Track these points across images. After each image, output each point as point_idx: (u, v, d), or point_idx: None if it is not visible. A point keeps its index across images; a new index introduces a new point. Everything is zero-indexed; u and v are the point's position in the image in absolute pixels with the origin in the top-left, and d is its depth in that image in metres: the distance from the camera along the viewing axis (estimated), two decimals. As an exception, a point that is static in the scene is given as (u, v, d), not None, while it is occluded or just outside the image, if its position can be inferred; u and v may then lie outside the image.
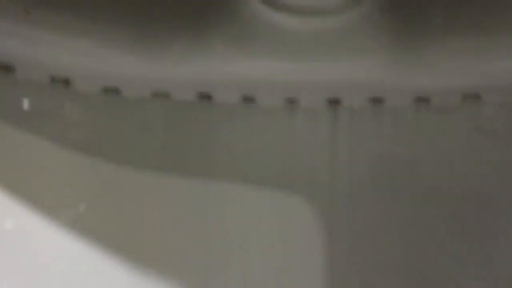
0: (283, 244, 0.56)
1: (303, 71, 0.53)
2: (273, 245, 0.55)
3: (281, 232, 0.56)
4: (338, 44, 0.52)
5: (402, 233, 0.56)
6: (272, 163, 0.56)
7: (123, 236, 0.54)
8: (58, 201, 0.53)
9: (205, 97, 0.55)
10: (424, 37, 0.52)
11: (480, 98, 0.55)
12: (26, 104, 0.53)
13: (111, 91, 0.55)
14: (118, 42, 0.53)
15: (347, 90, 0.54)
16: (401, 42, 0.52)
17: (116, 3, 0.52)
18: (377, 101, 0.56)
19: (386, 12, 0.52)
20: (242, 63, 0.53)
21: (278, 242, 0.56)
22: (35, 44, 0.51)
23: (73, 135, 0.54)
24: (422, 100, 0.56)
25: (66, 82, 0.54)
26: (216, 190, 0.56)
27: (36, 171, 0.52)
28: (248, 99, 0.56)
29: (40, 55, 0.52)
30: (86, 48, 0.52)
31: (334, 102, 0.56)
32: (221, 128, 0.56)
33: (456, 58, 0.53)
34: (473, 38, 0.52)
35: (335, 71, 0.53)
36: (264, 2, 0.51)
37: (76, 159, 0.54)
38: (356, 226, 0.56)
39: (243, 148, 0.56)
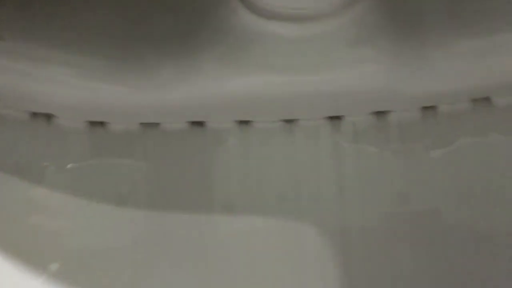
0: (295, 275, 0.51)
1: (299, 84, 0.49)
2: (283, 278, 0.50)
3: (291, 261, 0.51)
4: (334, 52, 0.49)
5: (422, 255, 0.51)
6: (274, 190, 0.52)
7: (111, 280, 0.49)
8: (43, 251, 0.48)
9: (198, 124, 0.52)
10: (427, 39, 0.49)
11: (491, 100, 0.52)
12: (2, 144, 0.49)
13: (97, 125, 0.51)
14: (102, 72, 0.49)
15: (348, 101, 0.51)
16: (403, 46, 0.49)
17: (97, 31, 0.49)
18: (381, 114, 0.52)
19: (384, 14, 0.49)
20: (235, 80, 0.49)
21: (288, 274, 0.51)
22: (11, 76, 0.48)
23: (54, 175, 0.50)
24: (429, 109, 0.52)
25: (47, 118, 0.50)
26: (215, 224, 0.52)
27: (8, 220, 0.48)
28: (243, 123, 0.52)
29: (17, 88, 0.48)
30: (68, 80, 0.49)
31: (335, 118, 0.52)
32: (216, 156, 0.52)
33: (462, 59, 0.50)
34: (478, 37, 0.50)
35: (334, 81, 0.50)
36: (254, 12, 0.48)
37: (57, 203, 0.49)
38: (371, 247, 0.52)
39: (242, 176, 0.52)
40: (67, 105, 0.49)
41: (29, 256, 0.48)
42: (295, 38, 0.49)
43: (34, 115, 0.50)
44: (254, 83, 0.49)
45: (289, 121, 0.52)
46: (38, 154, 0.50)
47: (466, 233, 0.52)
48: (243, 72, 0.49)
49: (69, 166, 0.51)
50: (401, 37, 0.49)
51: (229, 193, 0.52)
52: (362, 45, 0.49)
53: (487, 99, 0.52)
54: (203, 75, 0.49)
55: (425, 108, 0.52)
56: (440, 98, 0.51)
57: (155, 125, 0.51)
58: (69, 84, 0.49)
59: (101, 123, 0.51)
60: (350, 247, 0.52)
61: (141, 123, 0.51)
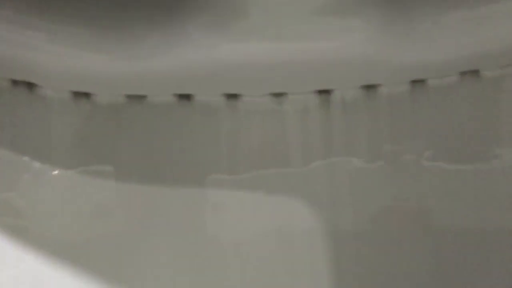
0: (284, 250, 0.49)
1: (287, 51, 0.49)
2: (273, 253, 0.49)
3: (281, 236, 0.50)
4: (322, 20, 0.49)
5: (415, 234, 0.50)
6: (263, 164, 0.51)
7: (99, 253, 0.47)
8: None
9: (185, 97, 0.51)
10: (416, 9, 0.49)
11: (479, 74, 0.52)
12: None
13: (81, 96, 0.49)
14: (84, 40, 0.48)
15: (337, 72, 0.50)
16: (391, 16, 0.49)
17: None
18: (370, 88, 0.51)
19: None
20: (223, 48, 0.48)
21: (278, 248, 0.50)
22: None
23: (36, 148, 0.48)
24: (418, 83, 0.52)
25: (29, 86, 0.48)
26: (204, 199, 0.50)
27: None
28: (231, 96, 0.51)
29: None
30: (49, 47, 0.47)
31: (324, 92, 0.51)
32: (204, 130, 0.51)
33: (452, 30, 0.50)
34: (468, 8, 0.50)
35: (322, 50, 0.49)
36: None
37: (38, 176, 0.48)
38: (361, 225, 0.51)
39: (231, 152, 0.51)
40: (49, 73, 0.48)
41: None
42: (283, 2, 0.48)
43: (15, 83, 0.48)
44: (241, 51, 0.48)
45: (278, 95, 0.51)
46: (20, 123, 0.48)
47: (458, 232, 0.51)
48: (231, 40, 0.48)
49: (51, 137, 0.49)
50: (389, 7, 0.49)
51: (218, 167, 0.51)
52: (350, 13, 0.49)
53: (475, 72, 0.52)
54: (190, 43, 0.48)
55: (414, 82, 0.52)
56: (429, 69, 0.51)
57: (142, 98, 0.50)
58: (50, 51, 0.47)
59: (86, 94, 0.49)
60: (340, 215, 0.51)
61: (127, 96, 0.50)
